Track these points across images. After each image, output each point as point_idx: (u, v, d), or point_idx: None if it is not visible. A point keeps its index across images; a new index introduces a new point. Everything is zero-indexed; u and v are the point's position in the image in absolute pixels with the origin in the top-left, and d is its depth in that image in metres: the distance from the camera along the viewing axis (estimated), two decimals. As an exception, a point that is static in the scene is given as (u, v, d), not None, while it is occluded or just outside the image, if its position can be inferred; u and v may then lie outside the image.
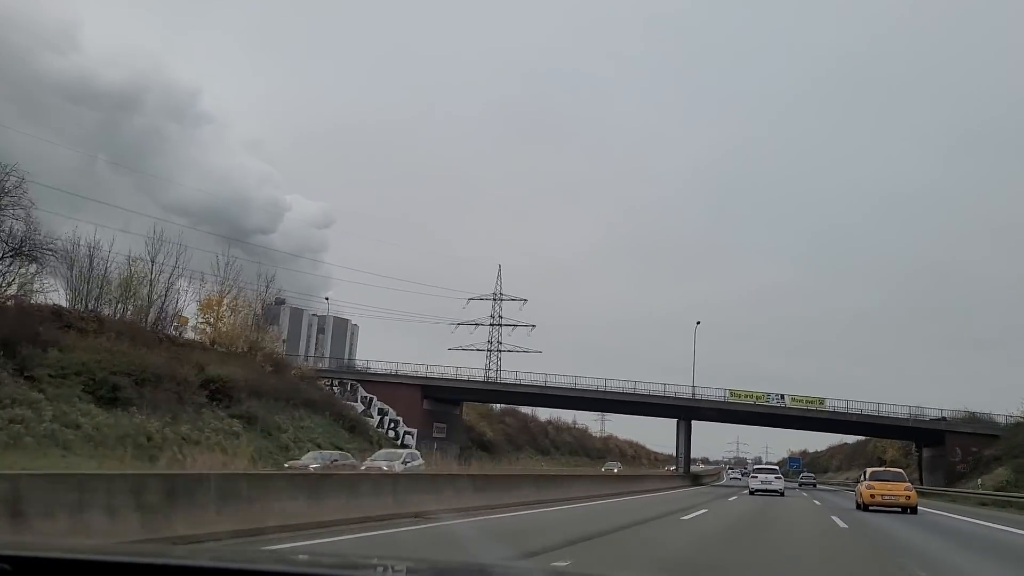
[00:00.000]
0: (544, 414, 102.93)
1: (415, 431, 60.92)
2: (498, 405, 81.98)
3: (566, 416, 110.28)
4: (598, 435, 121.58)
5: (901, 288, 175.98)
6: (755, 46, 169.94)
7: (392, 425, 61.58)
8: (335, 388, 62.06)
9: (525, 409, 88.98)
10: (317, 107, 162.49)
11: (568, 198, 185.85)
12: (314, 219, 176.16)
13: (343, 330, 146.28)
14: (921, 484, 55.05)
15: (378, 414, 62.45)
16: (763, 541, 14.22)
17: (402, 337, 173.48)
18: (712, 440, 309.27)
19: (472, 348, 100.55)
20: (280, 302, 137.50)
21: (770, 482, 39.39)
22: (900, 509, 25.63)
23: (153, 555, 2.35)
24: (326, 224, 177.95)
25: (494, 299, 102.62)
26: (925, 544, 15.04)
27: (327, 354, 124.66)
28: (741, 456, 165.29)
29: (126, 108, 71.07)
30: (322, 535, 10.50)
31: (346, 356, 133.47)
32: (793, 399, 62.12)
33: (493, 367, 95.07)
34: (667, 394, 63.69)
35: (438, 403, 65.19)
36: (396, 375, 66.14)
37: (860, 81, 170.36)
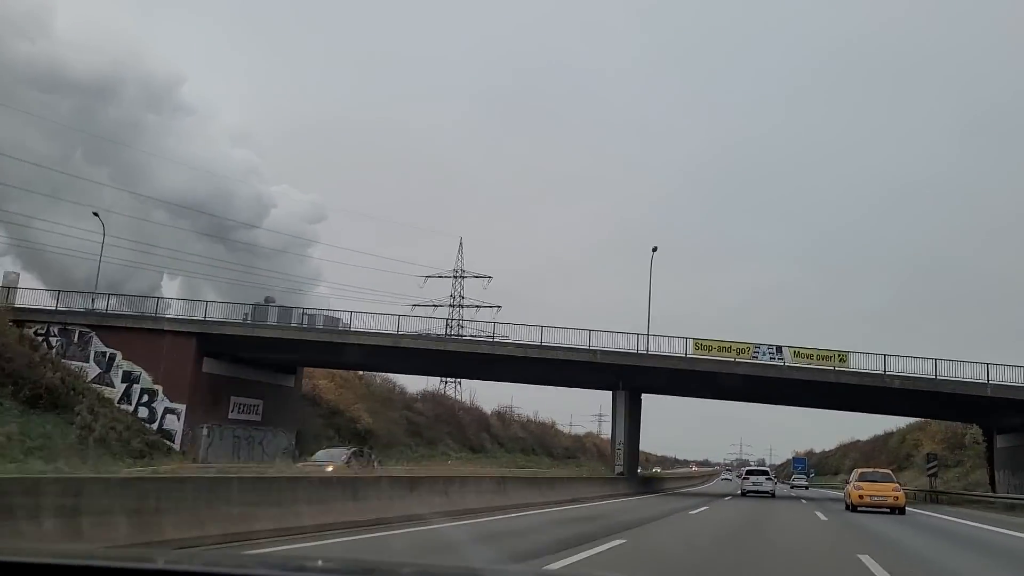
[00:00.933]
0: (491, 403, 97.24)
1: (182, 408, 39.35)
2: (406, 381, 65.52)
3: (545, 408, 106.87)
4: (568, 431, 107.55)
5: (907, 286, 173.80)
6: (753, 35, 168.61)
7: (146, 399, 39.88)
8: (54, 339, 41.09)
9: (466, 391, 79.88)
10: (306, 99, 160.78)
11: (562, 196, 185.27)
12: (304, 213, 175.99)
13: (335, 327, 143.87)
14: (992, 490, 40.68)
15: (123, 381, 40.40)
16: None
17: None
18: (714, 441, 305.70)
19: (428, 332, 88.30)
20: (269, 300, 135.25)
21: (761, 483, 41.71)
22: (888, 510, 25.92)
23: (142, 560, 2.33)
24: (317, 219, 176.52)
25: (454, 277, 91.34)
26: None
27: None
28: (744, 458, 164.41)
29: (102, 97, 70.07)
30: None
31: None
32: (797, 353, 37.88)
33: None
34: (594, 347, 38.17)
35: (239, 366, 43.66)
36: (154, 317, 42.70)
37: (861, 69, 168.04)
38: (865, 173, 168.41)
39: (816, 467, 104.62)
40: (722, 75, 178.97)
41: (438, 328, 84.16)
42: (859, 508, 26.20)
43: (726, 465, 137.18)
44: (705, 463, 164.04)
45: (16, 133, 56.60)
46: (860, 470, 30.55)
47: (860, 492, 26.72)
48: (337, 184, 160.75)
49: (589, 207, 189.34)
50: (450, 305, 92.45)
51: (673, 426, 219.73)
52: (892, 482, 27.47)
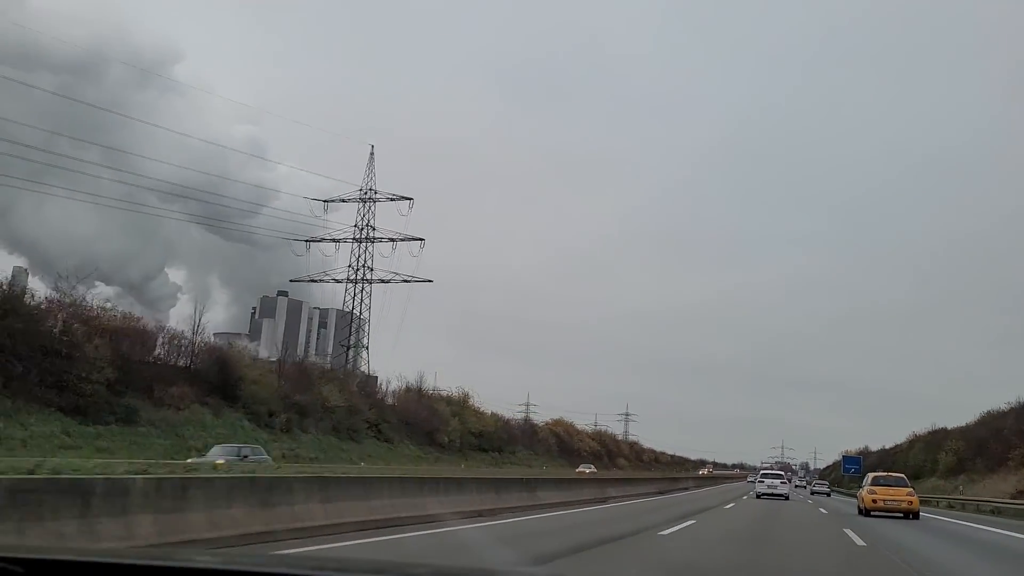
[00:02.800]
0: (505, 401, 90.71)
1: None
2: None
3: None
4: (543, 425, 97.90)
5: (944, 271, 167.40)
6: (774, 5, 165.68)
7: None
8: None
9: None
10: (314, 79, 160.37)
11: (579, 184, 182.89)
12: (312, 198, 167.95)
13: (347, 324, 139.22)
14: None
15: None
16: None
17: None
18: (754, 444, 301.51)
19: (323, 278, 73.76)
20: (282, 293, 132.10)
21: (775, 487, 40.92)
22: (902, 515, 25.77)
23: (162, 558, 2.39)
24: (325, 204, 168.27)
25: (362, 199, 70.74)
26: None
27: (330, 350, 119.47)
28: (786, 461, 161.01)
29: (88, 74, 68.46)
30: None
31: (351, 353, 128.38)
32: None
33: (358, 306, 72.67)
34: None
35: None
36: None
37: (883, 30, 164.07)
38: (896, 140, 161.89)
39: (875, 467, 79.48)
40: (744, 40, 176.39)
41: (338, 272, 73.81)
42: (872, 512, 26.10)
43: (763, 468, 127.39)
44: (740, 466, 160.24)
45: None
46: (873, 474, 30.50)
47: (873, 496, 26.63)
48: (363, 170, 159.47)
49: (604, 191, 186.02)
50: (355, 239, 71.45)
51: (709, 429, 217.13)
52: (906, 486, 27.40)
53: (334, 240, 70.73)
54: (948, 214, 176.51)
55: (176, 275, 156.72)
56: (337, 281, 73.47)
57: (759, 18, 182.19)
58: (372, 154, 72.86)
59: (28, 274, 50.17)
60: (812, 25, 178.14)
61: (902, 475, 30.94)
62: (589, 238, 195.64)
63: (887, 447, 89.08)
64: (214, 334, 67.32)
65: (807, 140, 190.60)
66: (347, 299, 74.21)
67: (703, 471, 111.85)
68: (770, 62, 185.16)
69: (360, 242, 70.75)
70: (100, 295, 44.72)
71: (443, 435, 58.15)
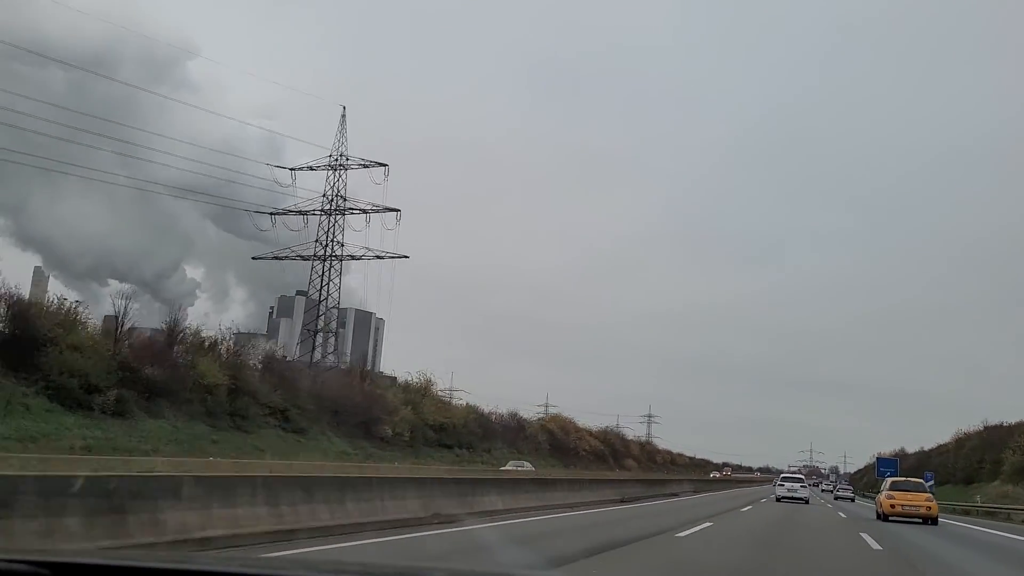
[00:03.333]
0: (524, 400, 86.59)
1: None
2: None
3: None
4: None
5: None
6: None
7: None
8: None
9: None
10: (331, 76, 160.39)
11: (599, 182, 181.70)
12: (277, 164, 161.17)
13: (366, 324, 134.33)
14: None
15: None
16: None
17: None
18: (781, 447, 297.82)
19: (289, 255, 67.36)
20: (301, 293, 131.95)
21: (795, 490, 41.29)
22: (920, 520, 25.70)
23: (185, 562, 2.44)
24: (293, 172, 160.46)
25: (332, 166, 65.00)
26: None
27: (348, 351, 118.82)
28: (814, 464, 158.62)
29: (101, 69, 67.91)
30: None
31: (370, 353, 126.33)
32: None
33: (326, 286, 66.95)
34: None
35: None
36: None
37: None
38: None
39: (913, 471, 67.35)
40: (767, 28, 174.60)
41: (306, 248, 66.96)
42: (890, 517, 26.05)
43: (788, 472, 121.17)
44: (766, 469, 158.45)
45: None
46: (892, 479, 30.43)
47: (892, 501, 26.59)
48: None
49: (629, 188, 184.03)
50: (323, 211, 65.40)
51: (735, 432, 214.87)
52: (924, 491, 27.37)
53: (301, 212, 64.90)
54: (980, 209, 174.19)
55: (195, 273, 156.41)
56: (303, 258, 67.81)
57: (780, 10, 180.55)
58: (344, 116, 66.79)
59: (47, 278, 49.99)
60: (834, 16, 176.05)
61: (921, 480, 30.88)
62: (611, 237, 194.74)
63: (925, 448, 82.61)
64: (234, 334, 66.92)
65: (832, 135, 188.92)
66: (313, 277, 68.32)
67: (715, 474, 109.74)
68: (793, 55, 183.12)
69: (329, 214, 65.16)
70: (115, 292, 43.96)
71: (386, 427, 48.49)
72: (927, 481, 49.87)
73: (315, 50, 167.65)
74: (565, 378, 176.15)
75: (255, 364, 44.24)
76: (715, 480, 79.25)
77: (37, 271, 54.54)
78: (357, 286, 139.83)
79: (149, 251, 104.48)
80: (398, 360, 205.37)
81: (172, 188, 65.73)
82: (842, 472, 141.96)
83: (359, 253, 67.25)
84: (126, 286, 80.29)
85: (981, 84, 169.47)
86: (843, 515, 30.23)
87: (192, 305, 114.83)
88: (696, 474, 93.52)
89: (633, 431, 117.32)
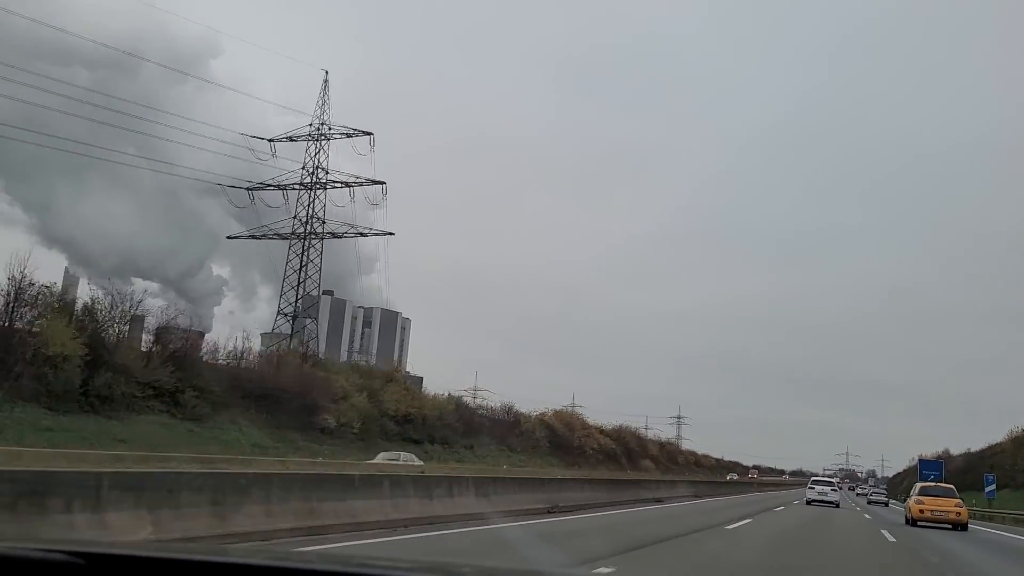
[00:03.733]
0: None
1: None
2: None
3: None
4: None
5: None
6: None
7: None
8: None
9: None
10: (363, 72, 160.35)
11: (627, 179, 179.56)
12: (357, 195, 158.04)
13: (392, 323, 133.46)
14: None
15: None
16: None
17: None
18: (817, 450, 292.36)
19: (266, 233, 61.96)
20: (327, 292, 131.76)
21: (826, 494, 41.55)
22: (950, 526, 25.40)
23: (220, 554, 2.44)
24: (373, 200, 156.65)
25: (312, 136, 60.28)
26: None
27: (375, 350, 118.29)
28: (851, 468, 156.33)
29: (124, 67, 67.40)
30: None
31: (396, 353, 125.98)
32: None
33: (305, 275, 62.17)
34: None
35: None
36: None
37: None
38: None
39: (955, 474, 60.12)
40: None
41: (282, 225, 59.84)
42: (919, 523, 25.76)
43: (824, 475, 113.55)
44: (800, 472, 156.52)
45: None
46: (921, 484, 30.11)
47: (920, 507, 26.33)
48: (412, 164, 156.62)
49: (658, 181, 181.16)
50: (302, 185, 60.06)
51: (769, 434, 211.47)
52: (954, 497, 26.95)
53: (279, 187, 59.98)
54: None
55: (220, 271, 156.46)
56: (281, 236, 61.90)
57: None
58: (326, 81, 61.31)
59: (78, 282, 49.92)
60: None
61: (951, 486, 30.49)
62: (640, 234, 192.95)
63: (973, 449, 76.47)
64: (261, 334, 66.63)
65: (873, 129, 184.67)
66: (291, 256, 62.24)
67: (732, 476, 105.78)
68: (829, 44, 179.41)
69: (309, 188, 60.00)
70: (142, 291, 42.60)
71: (328, 417, 41.03)
72: (988, 484, 50.11)
73: (339, 44, 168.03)
74: (593, 379, 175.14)
75: (145, 337, 36.13)
76: (732, 483, 71.79)
77: (67, 273, 55.04)
78: (382, 285, 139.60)
79: (174, 249, 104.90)
80: (425, 362, 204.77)
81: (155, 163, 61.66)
82: (880, 476, 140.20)
83: (341, 230, 61.28)
84: (153, 284, 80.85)
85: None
86: (868, 516, 29.90)
87: (219, 304, 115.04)
88: (714, 476, 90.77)
89: (662, 433, 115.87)
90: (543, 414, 69.20)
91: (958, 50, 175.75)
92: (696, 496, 37.53)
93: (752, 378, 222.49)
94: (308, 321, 65.79)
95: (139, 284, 60.23)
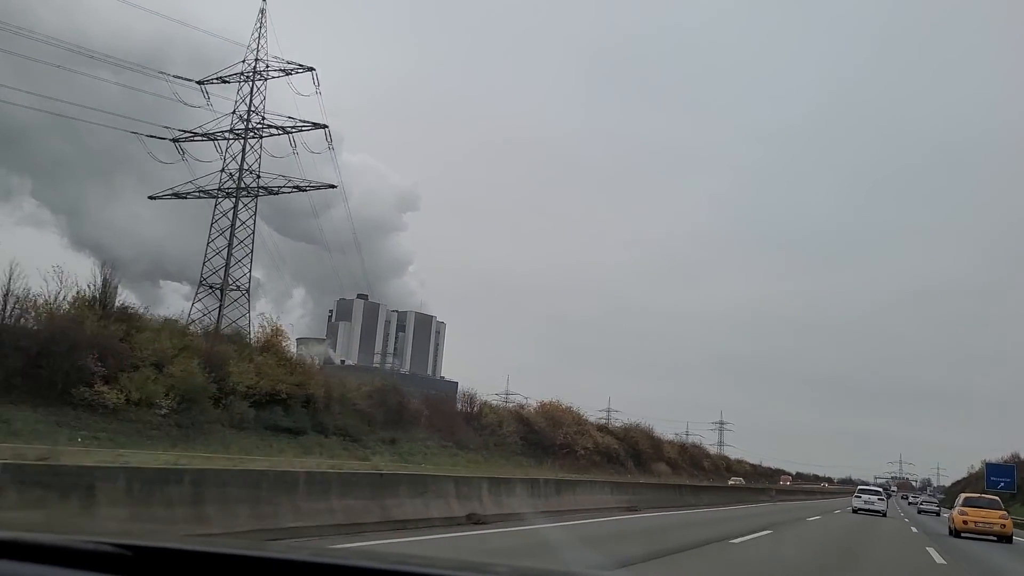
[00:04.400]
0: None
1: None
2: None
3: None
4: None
5: None
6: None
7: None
8: None
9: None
10: (386, 75, 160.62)
11: (666, 178, 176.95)
12: (388, 196, 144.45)
13: (426, 328, 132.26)
14: None
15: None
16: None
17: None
18: (868, 459, 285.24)
19: (192, 191, 51.81)
20: (362, 297, 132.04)
21: (872, 503, 41.88)
22: (995, 538, 25.00)
23: (261, 550, 2.52)
24: (405, 204, 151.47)
25: (245, 75, 50.46)
26: None
27: (408, 355, 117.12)
28: (904, 476, 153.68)
29: (150, 71, 66.69)
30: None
31: (430, 358, 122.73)
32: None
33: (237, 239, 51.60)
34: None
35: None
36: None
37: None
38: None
39: None
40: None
41: (208, 179, 50.74)
42: (962, 534, 25.41)
43: (872, 485, 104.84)
44: (847, 481, 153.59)
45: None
46: (965, 495, 29.74)
47: (964, 518, 26.01)
48: (442, 166, 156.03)
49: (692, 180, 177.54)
50: (233, 132, 50.59)
51: (817, 443, 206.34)
52: (999, 509, 26.56)
53: (207, 136, 51.02)
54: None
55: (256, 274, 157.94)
56: (207, 194, 52.39)
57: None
58: (263, 10, 52.39)
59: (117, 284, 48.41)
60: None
61: (996, 498, 30.09)
62: (679, 236, 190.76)
63: None
64: (297, 339, 65.58)
65: (933, 121, 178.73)
66: (218, 216, 53.08)
67: (735, 480, 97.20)
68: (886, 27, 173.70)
69: (239, 137, 50.90)
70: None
71: (106, 390, 27.67)
72: (998, 486, 48.90)
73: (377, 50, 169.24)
74: (632, 383, 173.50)
75: None
76: (732, 488, 58.17)
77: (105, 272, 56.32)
78: (416, 288, 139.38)
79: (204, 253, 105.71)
80: (461, 367, 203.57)
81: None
82: (935, 484, 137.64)
83: (276, 183, 52.71)
84: (185, 285, 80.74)
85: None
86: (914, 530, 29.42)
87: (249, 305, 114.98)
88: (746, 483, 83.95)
89: (704, 439, 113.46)
90: (520, 407, 61.98)
91: (995, 34, 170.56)
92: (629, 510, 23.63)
93: (798, 385, 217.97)
94: (342, 323, 64.28)
95: (170, 287, 59.80)
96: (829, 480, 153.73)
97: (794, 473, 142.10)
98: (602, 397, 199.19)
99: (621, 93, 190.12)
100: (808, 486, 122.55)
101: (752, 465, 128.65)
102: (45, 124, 51.50)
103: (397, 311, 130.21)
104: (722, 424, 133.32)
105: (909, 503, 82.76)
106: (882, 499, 44.19)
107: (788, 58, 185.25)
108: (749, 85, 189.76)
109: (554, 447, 56.16)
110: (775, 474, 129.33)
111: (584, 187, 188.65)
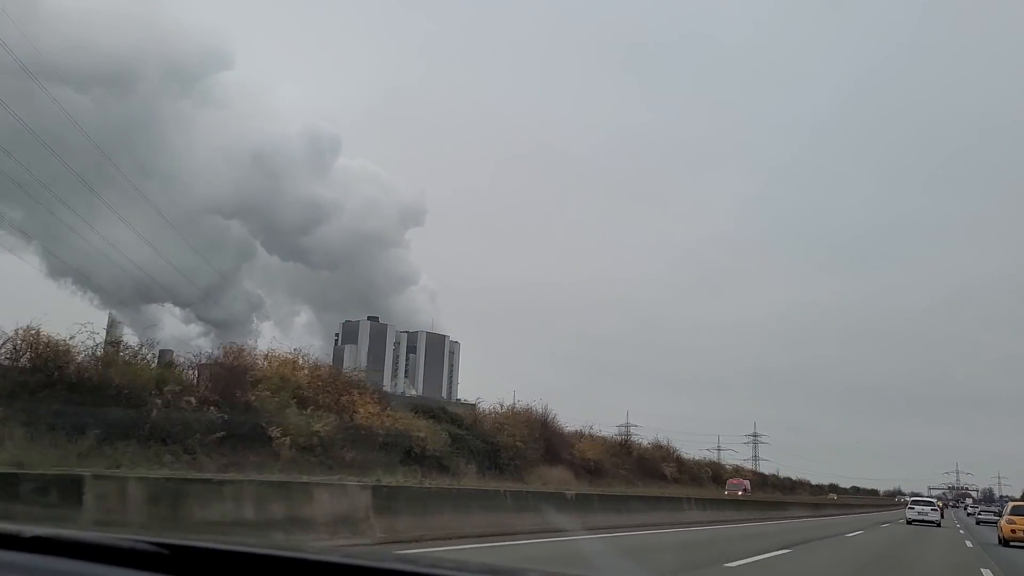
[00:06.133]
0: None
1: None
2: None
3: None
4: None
5: None
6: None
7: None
8: None
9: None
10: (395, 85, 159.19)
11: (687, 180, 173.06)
12: (393, 210, 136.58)
13: (439, 348, 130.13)
14: None
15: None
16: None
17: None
18: (921, 470, 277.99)
19: None
20: (372, 319, 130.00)
21: (926, 513, 44.11)
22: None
23: (297, 551, 2.61)
24: (411, 218, 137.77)
25: None
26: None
27: (420, 378, 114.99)
28: (962, 487, 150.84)
29: (124, 86, 65.17)
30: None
31: (445, 379, 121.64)
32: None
33: None
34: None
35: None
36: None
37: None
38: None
39: None
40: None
41: None
42: (1011, 543, 25.20)
43: (926, 496, 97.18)
44: (898, 493, 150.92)
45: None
46: (1013, 503, 29.46)
47: (1012, 526, 25.73)
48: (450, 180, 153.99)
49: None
50: None
51: (862, 455, 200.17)
52: (1049, 515, 26.21)
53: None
54: None
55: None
56: None
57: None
58: None
59: (122, 325, 49.73)
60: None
61: (1045, 504, 29.74)
62: (704, 241, 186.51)
63: None
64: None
65: (978, 105, 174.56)
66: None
67: (734, 490, 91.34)
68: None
69: None
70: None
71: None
72: None
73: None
74: (662, 401, 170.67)
75: None
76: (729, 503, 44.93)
77: (112, 320, 55.59)
78: (425, 305, 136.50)
79: (198, 275, 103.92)
80: (479, 388, 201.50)
81: None
82: (999, 494, 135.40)
83: None
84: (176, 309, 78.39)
85: None
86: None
87: (254, 328, 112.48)
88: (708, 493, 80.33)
89: (737, 455, 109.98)
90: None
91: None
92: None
93: (841, 396, 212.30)
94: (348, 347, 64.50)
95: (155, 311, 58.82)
96: (874, 493, 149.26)
97: (828, 485, 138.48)
98: (623, 412, 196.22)
99: (640, 93, 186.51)
100: (838, 499, 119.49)
101: (783, 478, 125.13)
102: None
103: (407, 332, 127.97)
104: (756, 436, 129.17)
105: (968, 513, 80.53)
106: (935, 509, 46.54)
107: (816, 45, 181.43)
108: (776, 77, 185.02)
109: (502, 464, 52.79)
110: (806, 487, 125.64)
111: (601, 194, 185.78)
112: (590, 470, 50.64)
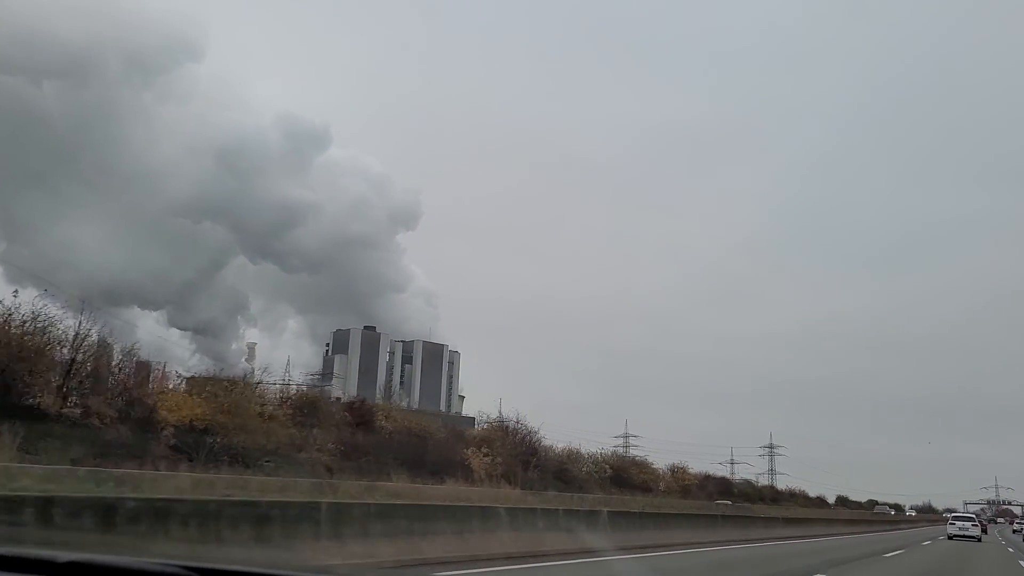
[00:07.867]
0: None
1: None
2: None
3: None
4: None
5: None
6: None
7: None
8: None
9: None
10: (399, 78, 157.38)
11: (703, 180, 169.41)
12: (383, 213, 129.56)
13: (437, 358, 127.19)
14: None
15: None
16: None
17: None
18: (955, 484, 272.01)
19: None
20: (369, 328, 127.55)
21: (967, 529, 47.12)
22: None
23: (327, 572, 2.65)
24: (404, 221, 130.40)
25: None
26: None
27: (417, 388, 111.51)
28: (1003, 503, 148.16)
29: (81, 76, 63.91)
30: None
31: (443, 391, 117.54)
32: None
33: None
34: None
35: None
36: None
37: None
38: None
39: None
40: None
41: None
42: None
43: (965, 512, 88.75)
44: (927, 509, 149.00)
45: None
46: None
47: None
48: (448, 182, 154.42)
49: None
50: None
51: (889, 470, 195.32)
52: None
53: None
54: None
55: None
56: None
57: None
58: None
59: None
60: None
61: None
62: (722, 248, 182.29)
63: None
64: (306, 374, 63.69)
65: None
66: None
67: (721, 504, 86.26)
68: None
69: None
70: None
71: None
72: None
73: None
74: (679, 413, 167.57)
75: None
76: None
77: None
78: (420, 311, 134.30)
79: (184, 283, 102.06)
80: (480, 401, 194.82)
81: None
82: None
83: None
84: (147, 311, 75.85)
85: None
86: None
87: (240, 337, 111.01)
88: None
89: (753, 468, 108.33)
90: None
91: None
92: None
93: (866, 409, 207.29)
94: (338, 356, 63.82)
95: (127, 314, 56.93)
96: (898, 508, 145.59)
97: (875, 502, 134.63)
98: (630, 426, 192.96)
99: (652, 89, 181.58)
100: (844, 515, 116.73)
101: (792, 491, 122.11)
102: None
103: (403, 341, 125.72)
104: (772, 448, 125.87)
105: (1013, 531, 77.74)
106: (975, 525, 49.59)
107: (834, 41, 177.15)
108: (798, 75, 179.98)
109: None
110: (823, 504, 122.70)
111: (609, 201, 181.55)
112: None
